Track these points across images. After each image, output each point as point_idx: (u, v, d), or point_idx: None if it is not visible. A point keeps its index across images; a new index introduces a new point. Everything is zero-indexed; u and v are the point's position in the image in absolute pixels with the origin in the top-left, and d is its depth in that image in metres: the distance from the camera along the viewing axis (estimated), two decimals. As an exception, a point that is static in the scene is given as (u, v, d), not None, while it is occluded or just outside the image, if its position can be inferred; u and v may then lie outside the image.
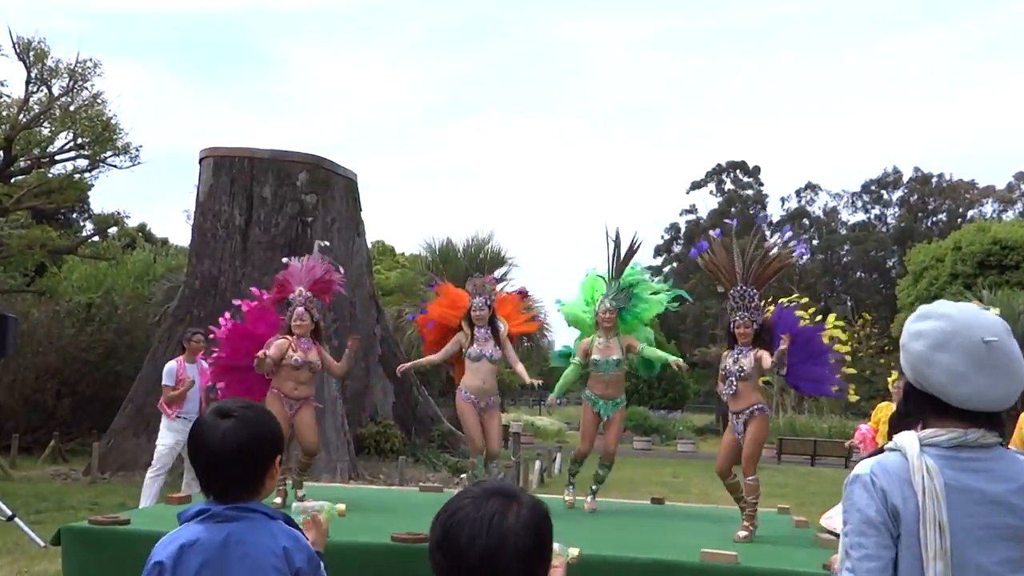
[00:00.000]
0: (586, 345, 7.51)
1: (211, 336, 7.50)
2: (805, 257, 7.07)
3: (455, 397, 7.55)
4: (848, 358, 6.81)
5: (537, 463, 16.87)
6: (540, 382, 7.77)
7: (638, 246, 7.65)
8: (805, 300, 7.03)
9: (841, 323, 7.01)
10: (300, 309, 7.11)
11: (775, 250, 6.80)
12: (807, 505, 13.75)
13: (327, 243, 8.31)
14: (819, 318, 6.96)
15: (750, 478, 6.51)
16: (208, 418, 2.24)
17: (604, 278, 7.61)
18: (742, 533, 6.37)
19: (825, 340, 6.76)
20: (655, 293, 7.64)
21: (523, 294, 8.18)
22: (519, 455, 15.94)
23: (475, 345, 7.44)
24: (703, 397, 48.18)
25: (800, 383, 6.85)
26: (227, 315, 7.42)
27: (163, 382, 9.79)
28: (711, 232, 7.02)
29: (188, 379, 9.64)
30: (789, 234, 6.96)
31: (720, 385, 6.62)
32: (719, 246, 6.84)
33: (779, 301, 6.92)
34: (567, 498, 7.62)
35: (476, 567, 1.58)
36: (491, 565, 1.57)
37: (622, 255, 7.59)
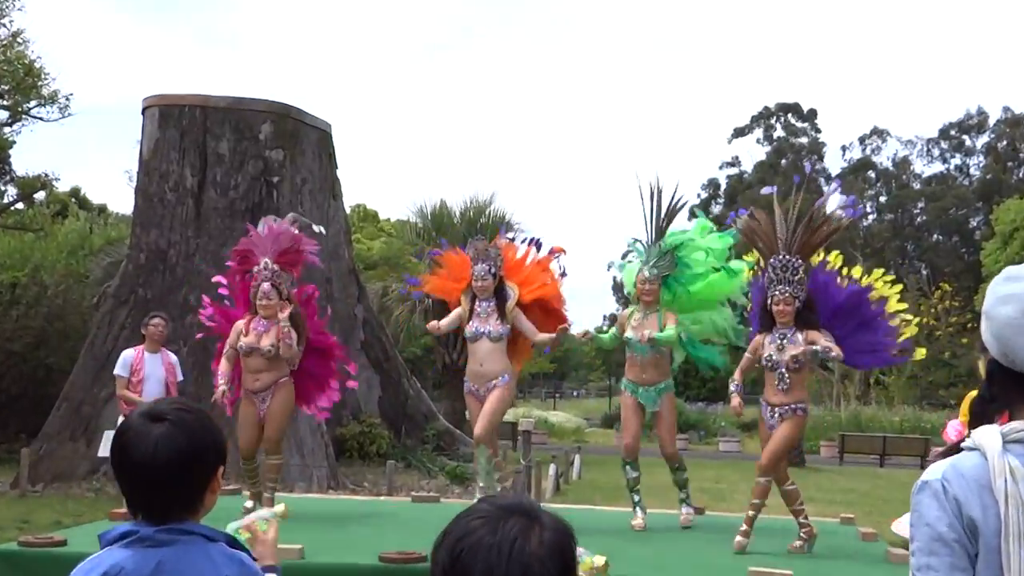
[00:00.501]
0: (623, 318, 7.57)
1: (210, 327, 7.78)
2: (855, 216, 7.12)
3: (458, 390, 7.62)
4: (912, 324, 6.86)
5: (552, 467, 16.89)
6: (570, 327, 7.63)
7: (681, 204, 7.65)
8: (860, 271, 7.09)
9: (890, 278, 7.06)
10: (266, 285, 7.15)
11: (825, 210, 6.84)
12: (875, 514, 13.79)
13: (304, 219, 8.30)
14: (865, 279, 7.00)
15: (763, 479, 6.60)
16: (135, 422, 2.20)
17: (641, 243, 7.61)
18: (797, 543, 6.52)
19: (874, 299, 6.85)
20: (709, 255, 7.59)
21: (538, 246, 7.97)
22: (530, 457, 15.95)
23: (473, 322, 7.45)
24: (749, 385, 48.21)
25: (857, 358, 6.90)
26: (206, 300, 7.71)
27: (116, 371, 9.87)
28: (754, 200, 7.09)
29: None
30: (837, 189, 7.00)
31: (768, 377, 6.66)
32: (759, 210, 6.92)
33: (819, 262, 6.96)
34: (635, 521, 7.51)
35: None
36: None
37: (662, 212, 7.57)
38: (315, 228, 8.23)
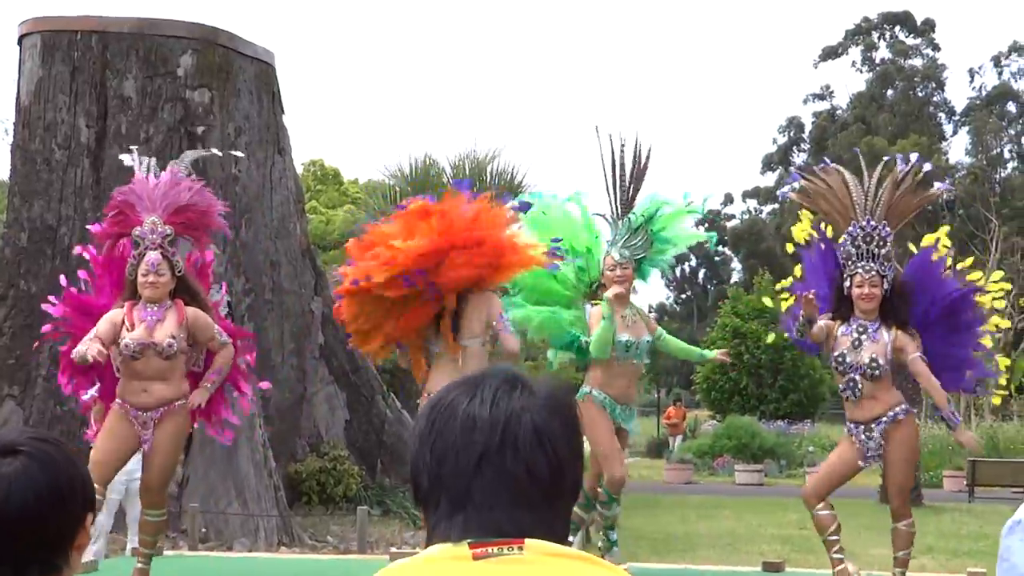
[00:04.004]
0: (598, 315, 7.63)
1: (56, 333, 7.51)
2: (945, 188, 7.21)
3: None
4: (997, 328, 6.93)
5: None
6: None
7: (646, 160, 7.82)
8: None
9: (1007, 285, 7.12)
10: (152, 256, 6.89)
11: (909, 174, 6.89)
12: (1017, 568, 13.86)
13: (211, 151, 8.12)
14: (976, 274, 7.05)
15: (903, 523, 6.74)
16: None
17: (605, 217, 7.83)
18: None
19: (983, 305, 6.95)
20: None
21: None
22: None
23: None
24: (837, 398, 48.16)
25: (940, 377, 6.94)
26: (64, 281, 7.43)
27: None
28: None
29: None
30: (914, 155, 7.07)
31: (839, 381, 6.80)
32: (830, 170, 7.04)
33: (928, 245, 7.00)
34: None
35: (482, 452, 1.69)
36: (502, 446, 1.68)
37: (628, 175, 7.74)
38: (202, 154, 7.90)
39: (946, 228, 7.25)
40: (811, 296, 6.57)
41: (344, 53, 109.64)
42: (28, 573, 2.16)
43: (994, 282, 7.06)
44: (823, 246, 7.07)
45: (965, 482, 27.33)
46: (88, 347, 6.53)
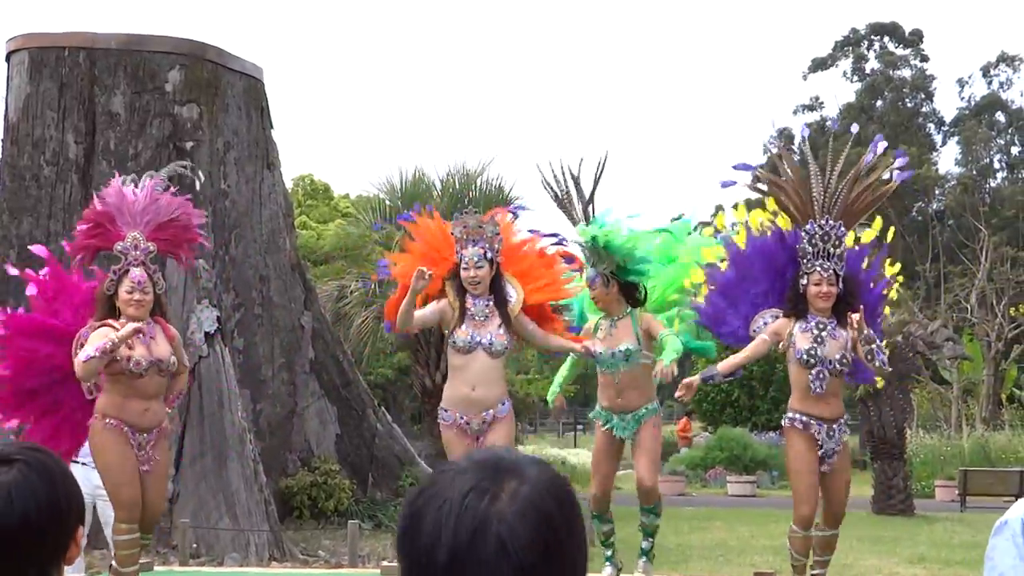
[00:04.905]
0: (587, 331, 7.73)
1: None
2: (904, 180, 7.24)
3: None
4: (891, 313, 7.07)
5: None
6: (590, 349, 7.69)
7: (600, 171, 7.85)
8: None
9: (900, 276, 7.33)
10: (137, 272, 6.79)
11: (870, 168, 6.94)
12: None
13: (187, 164, 8.06)
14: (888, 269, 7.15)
15: (830, 531, 6.96)
16: None
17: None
18: None
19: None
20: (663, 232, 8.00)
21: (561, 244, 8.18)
22: (542, 513, 16.06)
23: (465, 327, 7.31)
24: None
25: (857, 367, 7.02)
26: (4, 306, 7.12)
27: None
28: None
29: None
30: (883, 144, 7.10)
31: (800, 379, 6.86)
32: (788, 159, 7.11)
33: (864, 237, 7.17)
34: None
35: (445, 563, 1.62)
36: (464, 559, 1.61)
37: (577, 197, 7.80)
38: (178, 167, 7.78)
39: (879, 221, 7.28)
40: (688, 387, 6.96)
41: (333, 68, 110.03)
42: None
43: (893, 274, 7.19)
44: (778, 240, 7.09)
45: (957, 492, 27.40)
46: (124, 329, 6.49)
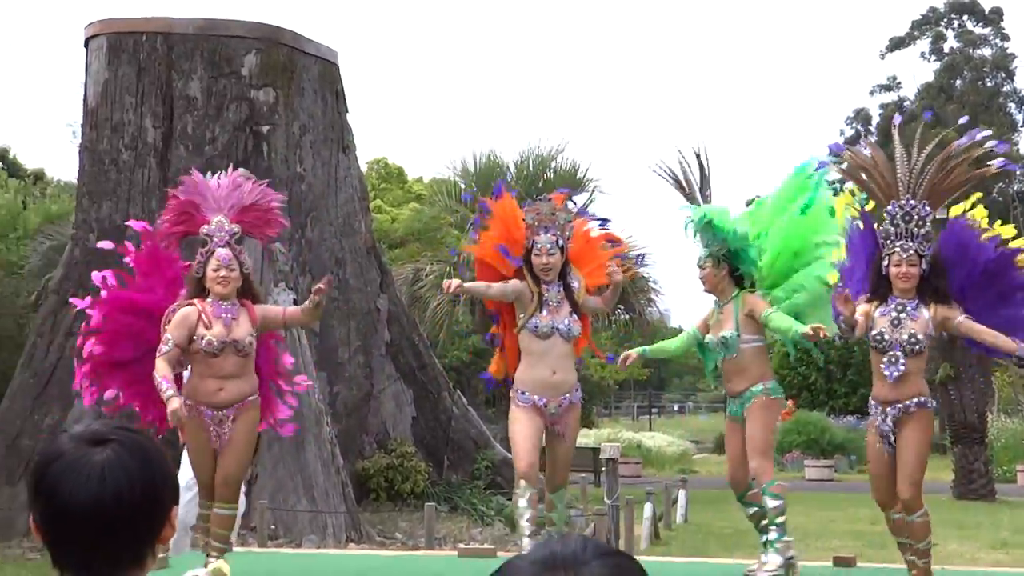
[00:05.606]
0: (705, 319, 7.63)
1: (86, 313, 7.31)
2: (1007, 168, 7.06)
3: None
4: None
5: (647, 507, 16.95)
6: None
7: (704, 160, 7.74)
8: None
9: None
10: (223, 252, 6.90)
11: (962, 151, 6.77)
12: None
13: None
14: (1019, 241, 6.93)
15: (917, 514, 6.65)
16: (68, 447, 2.17)
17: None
18: None
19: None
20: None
21: (605, 228, 8.13)
22: (617, 495, 15.92)
23: (544, 313, 7.34)
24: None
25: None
26: (104, 275, 7.27)
27: None
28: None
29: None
30: (984, 134, 6.95)
31: (875, 362, 6.70)
32: (872, 145, 6.98)
33: (958, 216, 6.90)
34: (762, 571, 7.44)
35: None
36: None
37: (697, 180, 7.70)
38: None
39: (976, 196, 7.08)
40: (846, 294, 6.53)
41: (408, 50, 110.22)
42: (119, 566, 2.15)
43: None
44: (862, 225, 6.99)
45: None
46: (175, 407, 6.55)
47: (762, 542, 7.55)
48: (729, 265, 7.41)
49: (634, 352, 7.88)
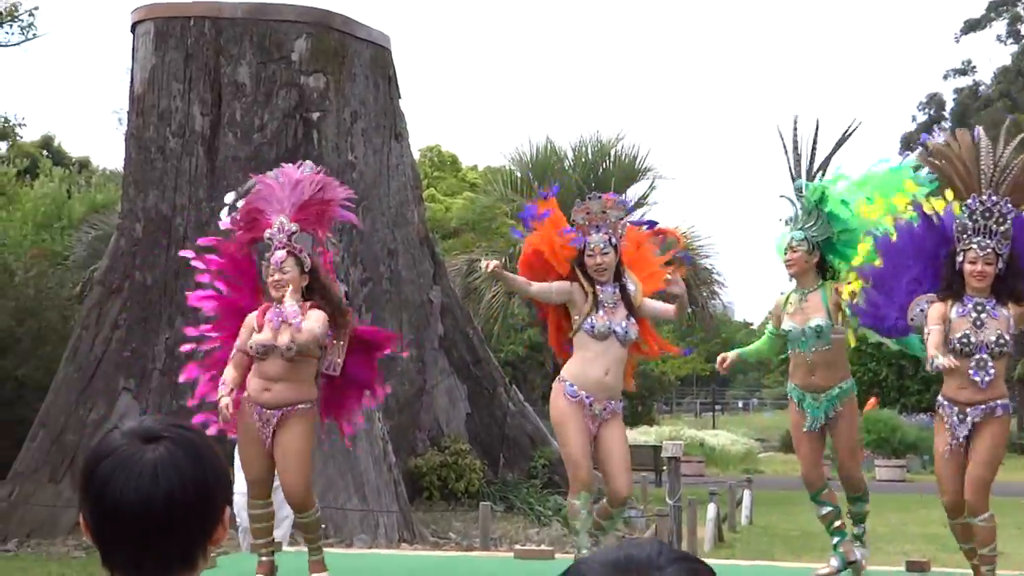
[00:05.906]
0: (777, 307, 7.65)
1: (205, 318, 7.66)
2: None
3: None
4: None
5: (711, 508, 16.85)
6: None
7: (851, 131, 7.64)
8: None
9: None
10: (276, 255, 7.05)
11: None
12: None
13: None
14: None
15: (981, 517, 6.62)
16: (119, 443, 2.18)
17: (789, 198, 7.62)
18: None
19: None
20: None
21: (653, 228, 8.09)
22: (679, 495, 15.73)
23: (601, 313, 7.30)
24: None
25: None
26: (196, 294, 7.60)
27: None
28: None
29: None
30: None
31: (965, 366, 6.55)
32: (961, 135, 6.84)
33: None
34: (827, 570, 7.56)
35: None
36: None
37: (811, 152, 7.56)
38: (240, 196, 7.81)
39: None
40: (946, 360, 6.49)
41: (462, 35, 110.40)
42: (170, 567, 2.17)
43: None
44: (924, 223, 6.85)
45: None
46: (222, 404, 6.99)
47: (833, 544, 7.64)
48: (822, 252, 7.33)
49: (731, 354, 7.96)
